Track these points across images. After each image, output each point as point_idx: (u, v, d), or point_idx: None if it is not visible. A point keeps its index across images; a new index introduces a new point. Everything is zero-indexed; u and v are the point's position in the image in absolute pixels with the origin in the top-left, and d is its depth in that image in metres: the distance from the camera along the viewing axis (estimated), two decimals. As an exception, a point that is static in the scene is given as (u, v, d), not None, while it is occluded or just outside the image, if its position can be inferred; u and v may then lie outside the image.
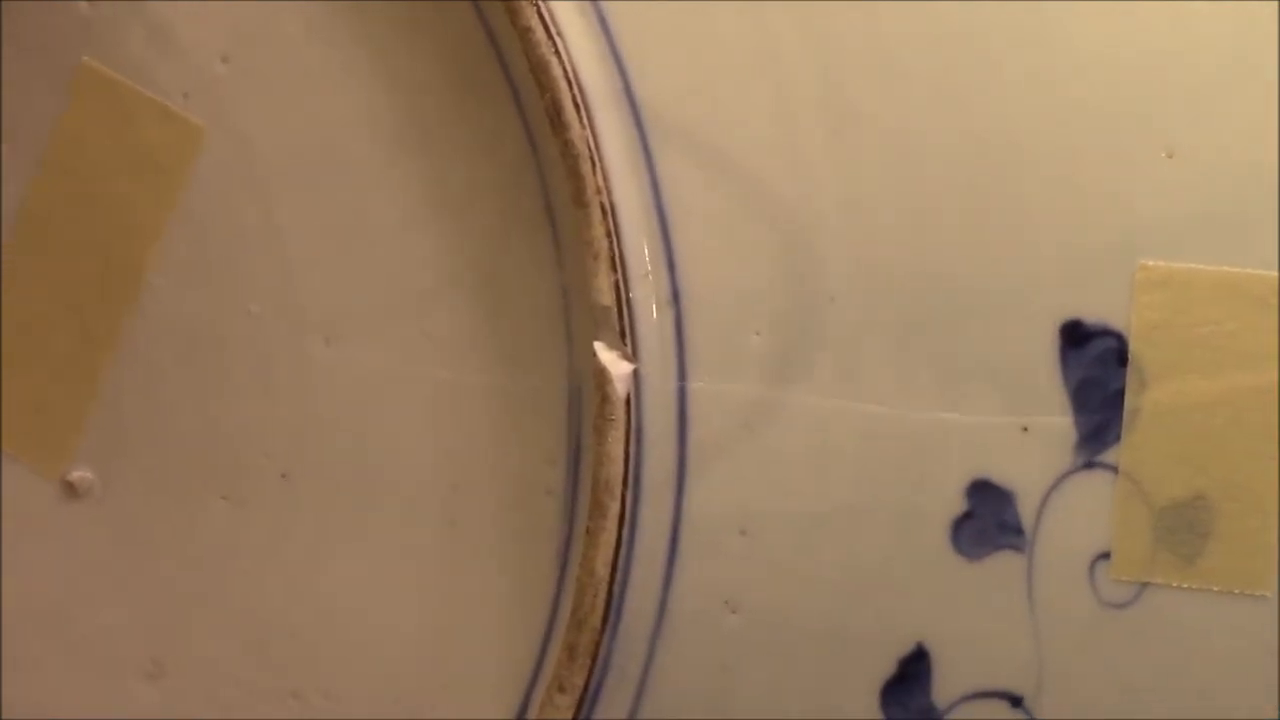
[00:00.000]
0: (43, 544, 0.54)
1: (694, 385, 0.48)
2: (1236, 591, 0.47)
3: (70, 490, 0.54)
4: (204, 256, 0.52)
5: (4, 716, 0.54)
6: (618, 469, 0.47)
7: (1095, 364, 0.47)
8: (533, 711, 0.49)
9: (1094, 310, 0.47)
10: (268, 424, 0.52)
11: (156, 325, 0.53)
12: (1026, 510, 0.47)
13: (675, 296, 0.48)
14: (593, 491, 0.47)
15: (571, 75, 0.47)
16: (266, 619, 0.53)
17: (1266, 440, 0.46)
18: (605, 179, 0.47)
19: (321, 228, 0.51)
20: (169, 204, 0.52)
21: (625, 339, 0.47)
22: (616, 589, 0.47)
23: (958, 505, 0.47)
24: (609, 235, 0.47)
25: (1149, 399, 0.46)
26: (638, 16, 0.48)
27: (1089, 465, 0.47)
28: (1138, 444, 0.47)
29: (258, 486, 0.52)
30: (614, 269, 0.47)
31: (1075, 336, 0.47)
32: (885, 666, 0.48)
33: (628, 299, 0.47)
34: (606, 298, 0.47)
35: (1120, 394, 0.47)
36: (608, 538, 0.47)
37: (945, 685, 0.48)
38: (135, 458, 0.53)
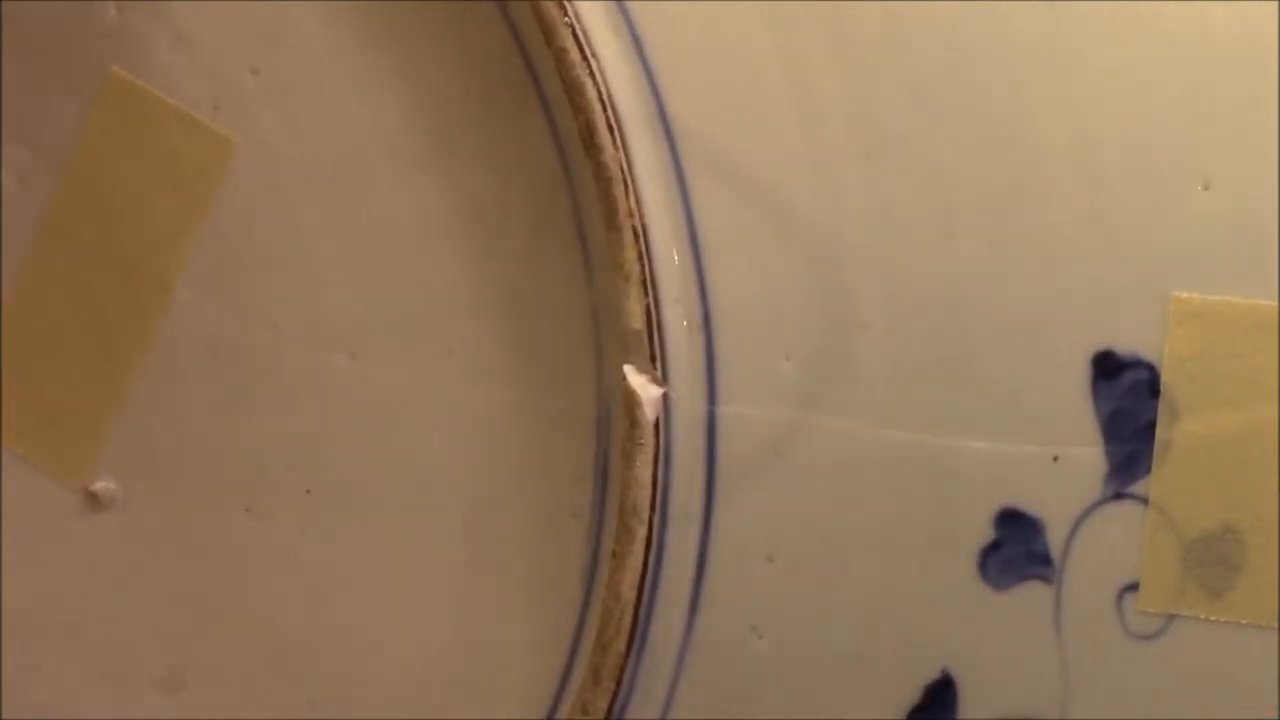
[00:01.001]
0: (64, 554, 0.54)
1: (724, 409, 0.48)
2: (1265, 625, 0.46)
3: (93, 501, 0.53)
4: (230, 269, 0.52)
5: (24, 725, 0.54)
6: (645, 493, 0.47)
7: (1127, 395, 0.46)
8: (556, 732, 0.49)
9: (1126, 341, 0.46)
10: (291, 438, 0.52)
11: (181, 337, 0.52)
12: (1055, 540, 0.47)
13: (706, 320, 0.47)
14: (620, 515, 0.47)
15: (606, 97, 0.47)
16: (287, 633, 0.53)
17: (1297, 474, 0.46)
18: (638, 202, 0.47)
19: (348, 242, 0.51)
20: (196, 216, 0.52)
21: (655, 362, 0.47)
22: (642, 613, 0.47)
23: (986, 534, 0.47)
24: (641, 258, 0.47)
25: (1180, 431, 0.46)
26: (672, 39, 0.48)
27: (1119, 496, 0.47)
28: (1168, 476, 0.46)
29: (281, 500, 0.52)
30: (645, 292, 0.47)
31: (1107, 367, 0.46)
32: (911, 694, 0.48)
33: (659, 322, 0.47)
34: (637, 321, 0.47)
35: (1151, 425, 0.46)
36: (634, 562, 0.47)
37: (971, 714, 0.48)
38: (158, 469, 0.53)
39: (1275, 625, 0.46)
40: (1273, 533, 0.46)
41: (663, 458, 0.47)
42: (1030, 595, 0.47)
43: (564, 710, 0.49)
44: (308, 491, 0.52)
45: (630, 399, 0.47)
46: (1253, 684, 0.47)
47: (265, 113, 0.51)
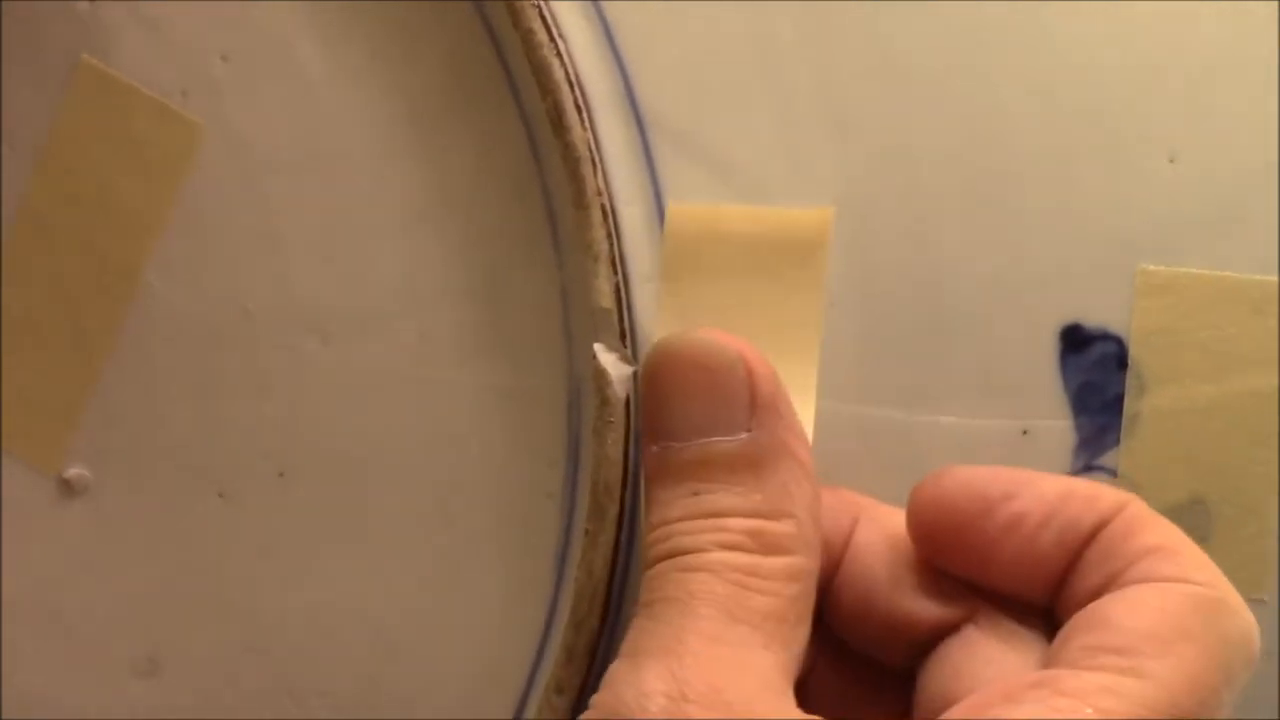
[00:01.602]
0: (38, 541, 0.54)
1: (694, 387, 0.48)
2: (1235, 596, 0.47)
3: (66, 488, 0.53)
4: (201, 255, 0.52)
5: (2, 713, 0.54)
6: (617, 471, 0.47)
7: (1095, 368, 0.47)
8: (530, 712, 0.49)
9: (1094, 314, 0.47)
10: (264, 423, 0.52)
11: (153, 323, 0.52)
12: (1025, 514, 0.47)
13: (676, 299, 0.48)
14: (592, 494, 0.47)
15: (573, 78, 0.47)
16: (262, 618, 0.53)
17: (1265, 445, 0.46)
18: (606, 181, 0.47)
19: (319, 227, 0.51)
20: (167, 202, 0.52)
21: (625, 341, 0.47)
22: (615, 591, 0.47)
23: (957, 509, 0.47)
24: (609, 237, 0.47)
25: (1148, 403, 0.46)
26: (640, 19, 0.48)
27: (1088, 469, 0.47)
28: (1137, 448, 0.47)
29: (254, 485, 0.52)
30: (614, 270, 0.47)
31: (1075, 340, 0.47)
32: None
33: (628, 301, 0.47)
34: (607, 299, 0.47)
35: (1120, 398, 0.47)
36: (606, 539, 0.47)
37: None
38: (131, 456, 0.53)
39: (1246, 596, 0.47)
40: (1240, 504, 0.46)
41: (634, 436, 0.47)
42: (1001, 569, 0.47)
43: (538, 689, 0.49)
44: (280, 475, 0.52)
45: (601, 377, 0.47)
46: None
47: (235, 99, 0.51)
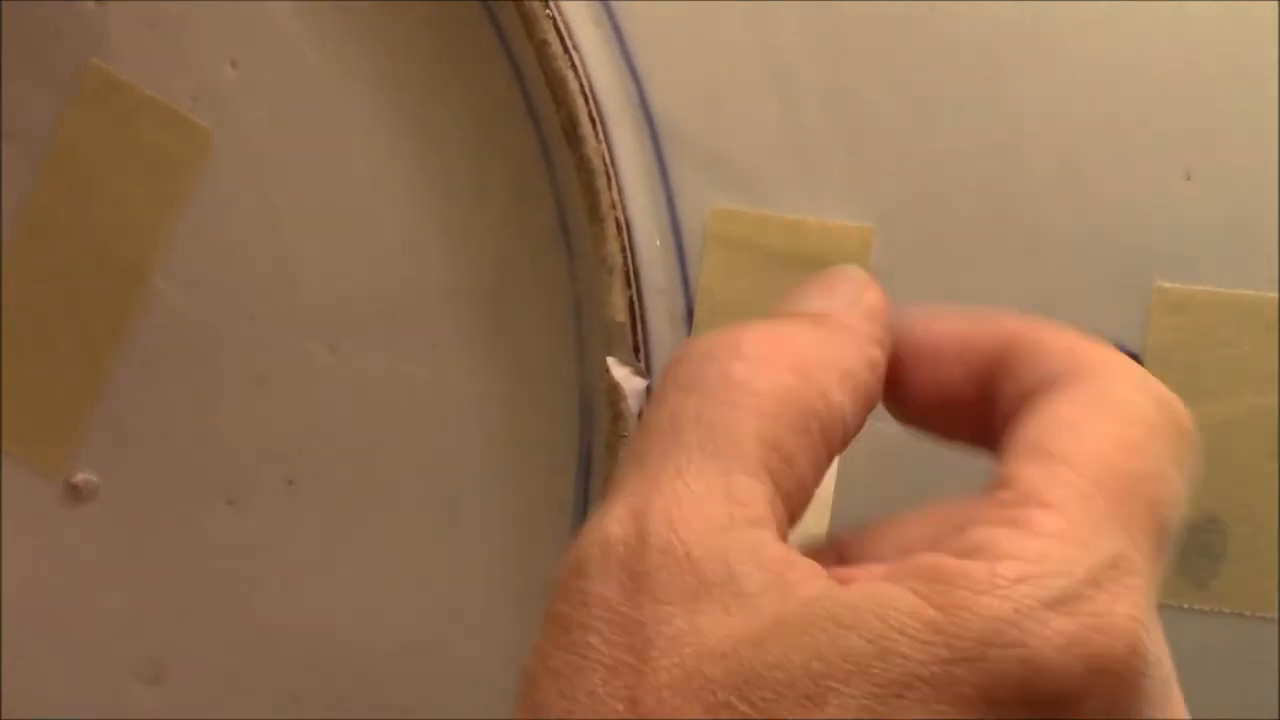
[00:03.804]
0: (46, 546, 0.54)
1: (707, 402, 0.48)
2: (1248, 613, 0.47)
3: (74, 493, 0.53)
4: (209, 260, 0.52)
5: (5, 716, 0.54)
6: (630, 485, 0.47)
7: (1110, 385, 0.47)
8: (539, 723, 0.49)
9: (1110, 331, 0.47)
10: (272, 429, 0.52)
11: (161, 328, 0.52)
12: (1039, 531, 0.47)
13: (689, 312, 0.47)
14: (604, 507, 0.47)
15: (588, 90, 0.47)
16: (268, 624, 0.53)
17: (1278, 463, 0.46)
18: (621, 194, 0.47)
19: (328, 234, 0.51)
20: (175, 207, 0.51)
21: (639, 355, 0.47)
22: (626, 603, 0.47)
23: (970, 525, 0.47)
24: (624, 251, 0.47)
25: (1163, 421, 0.46)
26: (653, 32, 0.47)
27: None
28: (1151, 466, 0.46)
29: (262, 491, 0.52)
30: (629, 284, 0.47)
31: (1090, 357, 0.47)
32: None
33: (642, 315, 0.47)
34: (621, 313, 0.47)
35: (1135, 415, 0.47)
36: (619, 553, 0.47)
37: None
38: (139, 461, 0.53)
39: (1257, 613, 0.47)
40: (1255, 522, 0.46)
41: (647, 450, 0.47)
42: (1014, 585, 0.47)
43: (549, 702, 0.49)
44: (289, 482, 0.52)
45: (614, 391, 0.47)
46: (1237, 671, 0.47)
47: (244, 105, 0.51)
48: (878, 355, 0.39)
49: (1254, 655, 0.47)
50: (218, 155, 0.51)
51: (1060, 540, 0.33)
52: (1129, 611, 0.32)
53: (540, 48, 0.47)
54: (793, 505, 0.36)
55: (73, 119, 0.52)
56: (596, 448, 0.49)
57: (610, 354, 0.47)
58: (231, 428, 0.52)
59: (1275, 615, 0.47)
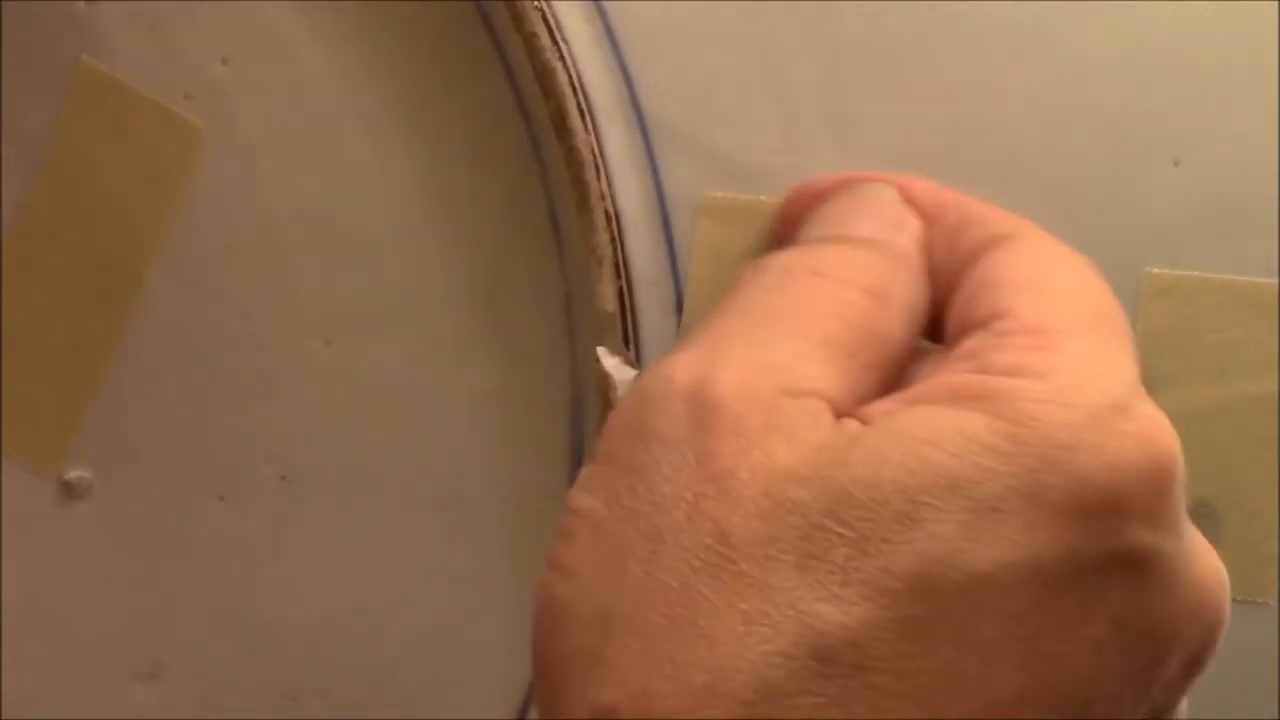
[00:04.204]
0: (40, 544, 0.54)
1: (698, 392, 0.48)
2: (1240, 599, 0.47)
3: (68, 490, 0.53)
4: (203, 258, 0.52)
5: (3, 716, 0.54)
6: (621, 476, 0.47)
7: (1100, 371, 0.47)
8: (533, 716, 0.49)
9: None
10: (267, 426, 0.52)
11: (156, 326, 0.52)
12: (1030, 518, 0.47)
13: (679, 303, 0.47)
14: (596, 498, 0.47)
15: (577, 81, 0.47)
16: (264, 621, 0.53)
17: (1271, 447, 0.46)
18: (610, 185, 0.47)
19: (321, 230, 0.51)
20: (168, 205, 0.51)
21: (629, 345, 0.47)
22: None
23: (962, 512, 0.47)
24: (613, 241, 0.47)
25: (1153, 406, 0.46)
26: (643, 22, 0.48)
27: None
28: (1142, 452, 0.46)
29: (256, 488, 0.52)
30: (618, 275, 0.47)
31: (1080, 344, 0.47)
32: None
33: (632, 305, 0.47)
34: (610, 303, 0.47)
35: (1124, 402, 0.47)
36: (611, 544, 0.47)
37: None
38: (134, 458, 0.53)
39: (1250, 599, 0.47)
40: (1246, 507, 0.46)
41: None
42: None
43: (542, 693, 0.49)
44: (283, 479, 0.52)
45: (604, 382, 0.47)
46: (1227, 656, 0.47)
47: (237, 102, 0.51)
48: (927, 288, 0.40)
49: (1249, 640, 0.47)
50: (211, 153, 0.51)
51: (1091, 359, 0.35)
52: (1163, 418, 0.35)
53: (529, 40, 0.47)
54: (859, 402, 0.36)
55: (66, 118, 0.52)
56: (588, 439, 0.49)
57: (601, 344, 0.47)
58: (225, 424, 0.52)
59: (1270, 600, 0.47)
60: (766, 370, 0.35)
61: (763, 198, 0.47)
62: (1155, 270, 0.46)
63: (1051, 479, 0.33)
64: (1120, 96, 0.46)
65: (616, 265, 0.47)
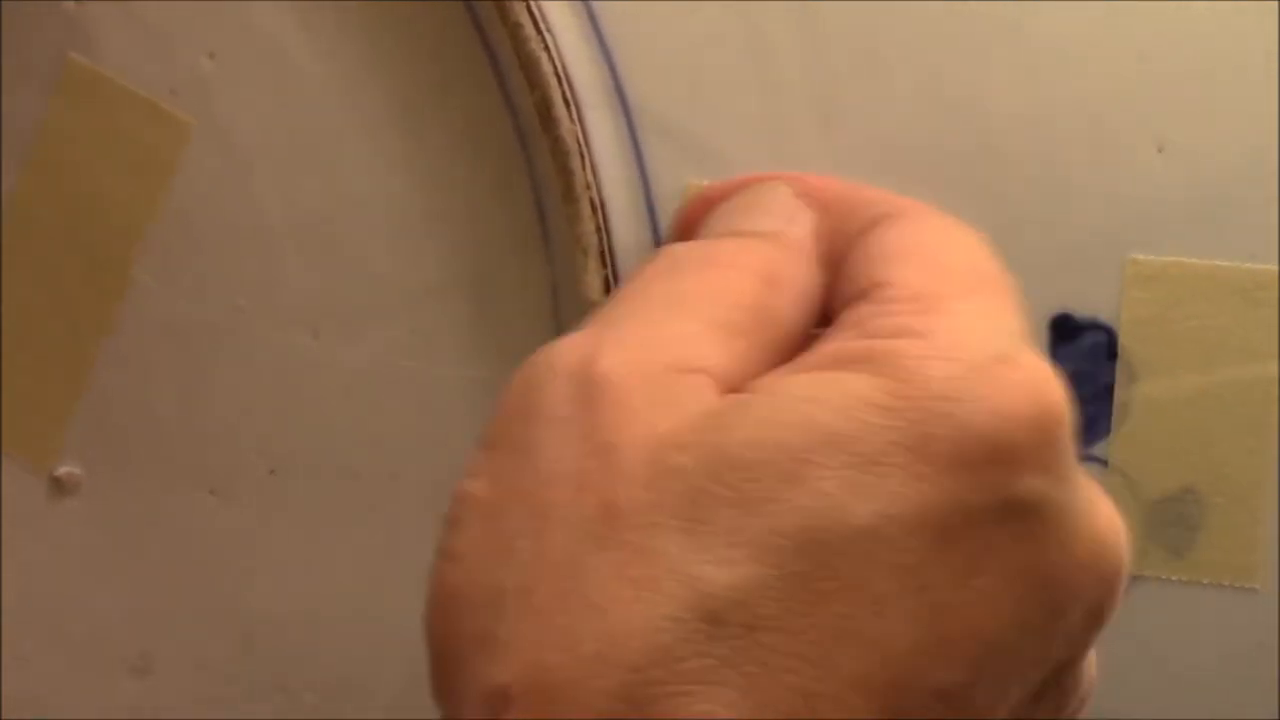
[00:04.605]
0: (30, 539, 0.54)
1: (684, 381, 0.48)
2: (1226, 584, 0.47)
3: (58, 486, 0.53)
4: (191, 252, 0.52)
5: (-4, 712, 0.54)
6: (608, 465, 0.47)
7: (1085, 358, 0.47)
8: (523, 707, 0.49)
9: (1084, 304, 0.47)
10: (255, 419, 0.52)
11: (144, 321, 0.52)
12: (1017, 504, 0.47)
13: (665, 291, 0.48)
14: (583, 488, 0.47)
15: (561, 71, 0.47)
16: (254, 613, 0.53)
17: (1255, 434, 0.46)
18: (595, 175, 0.47)
19: (308, 223, 0.51)
20: (156, 200, 0.52)
21: (615, 335, 0.47)
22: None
23: (948, 499, 0.47)
24: (599, 231, 0.47)
25: (1139, 393, 0.46)
26: (627, 12, 0.48)
27: (1079, 459, 0.47)
28: (1128, 438, 0.47)
29: (246, 481, 0.52)
30: (604, 264, 0.47)
31: (1065, 330, 0.47)
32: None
33: (618, 294, 0.47)
34: (597, 293, 0.47)
35: (1110, 388, 0.47)
36: (599, 534, 0.47)
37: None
38: (123, 453, 0.53)
39: (1237, 585, 0.47)
40: (1231, 493, 0.46)
41: (625, 429, 0.47)
42: (993, 560, 0.47)
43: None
44: (271, 472, 0.52)
45: (591, 371, 0.47)
46: (1214, 642, 0.47)
47: (223, 96, 0.51)
48: (821, 275, 0.40)
49: (1237, 626, 0.47)
50: (198, 147, 0.52)
51: (974, 317, 0.35)
52: (1050, 368, 0.34)
53: (514, 31, 0.47)
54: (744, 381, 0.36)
55: (54, 114, 0.52)
56: (575, 429, 0.49)
57: (587, 334, 0.47)
58: (214, 418, 0.52)
59: (1257, 586, 0.47)
60: (653, 347, 0.36)
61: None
62: (1140, 257, 0.46)
63: (935, 430, 0.33)
64: (1104, 83, 0.46)
65: (602, 254, 0.47)
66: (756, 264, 0.39)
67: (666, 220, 0.48)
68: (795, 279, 0.39)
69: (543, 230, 0.49)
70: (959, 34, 0.47)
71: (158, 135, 0.51)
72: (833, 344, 0.36)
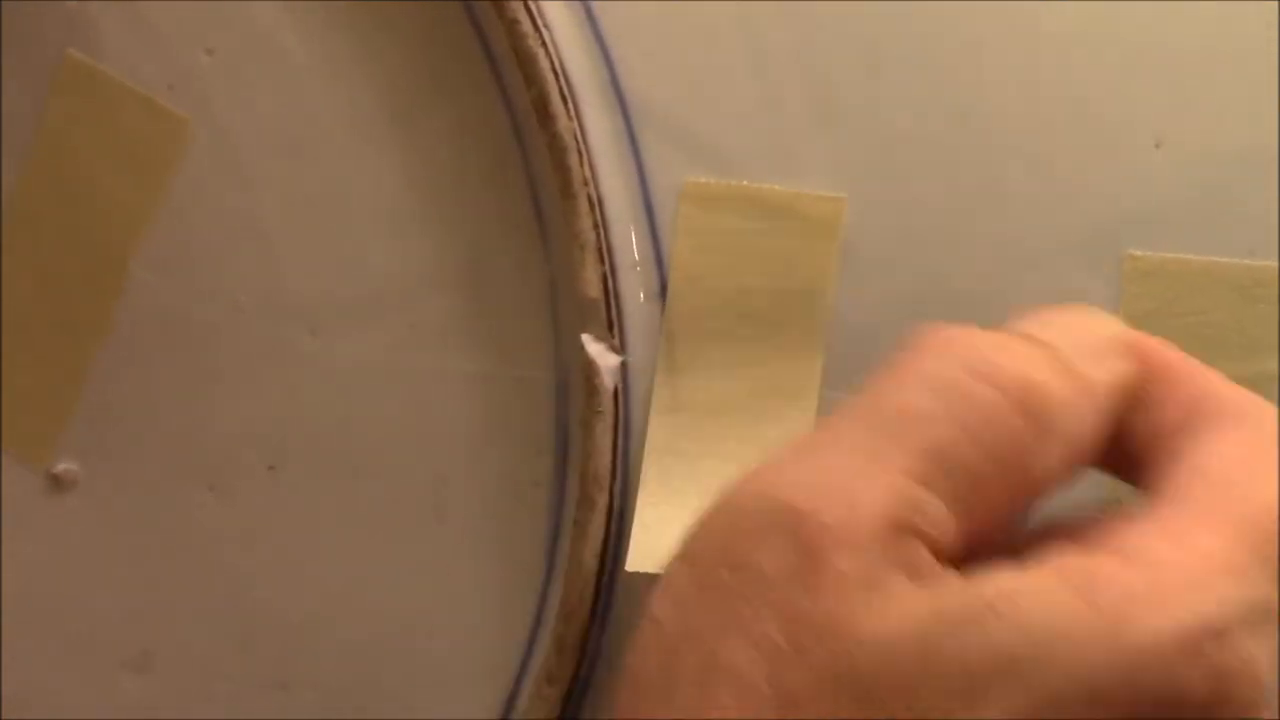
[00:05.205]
0: (30, 536, 0.54)
1: (682, 377, 0.48)
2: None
3: (57, 483, 0.53)
4: (189, 248, 0.52)
5: (-4, 709, 0.54)
6: (606, 461, 0.47)
7: (1084, 354, 0.47)
8: (521, 703, 0.49)
9: (1083, 300, 0.46)
10: (254, 416, 0.52)
11: (142, 317, 0.52)
12: (1015, 501, 0.47)
13: (663, 288, 0.48)
14: (581, 484, 0.47)
15: (559, 68, 0.47)
16: (253, 610, 0.53)
17: (1254, 430, 0.46)
18: (592, 171, 0.47)
19: (307, 219, 0.51)
20: (154, 196, 0.52)
21: (613, 331, 0.47)
22: (605, 581, 0.47)
23: (946, 496, 0.47)
24: (596, 227, 0.47)
25: (1137, 389, 0.46)
26: (625, 9, 0.48)
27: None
28: (1126, 434, 0.46)
29: (244, 478, 0.52)
30: (601, 261, 0.47)
31: (1063, 327, 0.47)
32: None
33: (615, 291, 0.47)
34: (594, 290, 0.47)
35: (1108, 384, 0.47)
36: (596, 530, 0.47)
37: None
38: (122, 450, 0.53)
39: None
40: (1230, 489, 0.46)
41: (622, 426, 0.47)
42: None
43: (529, 679, 0.49)
44: (270, 468, 0.52)
45: (589, 367, 0.47)
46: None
47: (221, 93, 0.51)
48: (1103, 437, 0.36)
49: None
50: (196, 143, 0.52)
51: (1219, 565, 0.32)
52: (1267, 661, 0.32)
53: (511, 27, 0.47)
54: (967, 538, 0.34)
55: (52, 111, 0.52)
56: (573, 425, 0.49)
57: (585, 330, 0.47)
58: (212, 414, 0.52)
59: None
60: (874, 490, 0.33)
61: (744, 183, 0.47)
62: (1138, 253, 0.46)
63: (1116, 689, 0.31)
64: (1102, 80, 0.46)
65: (599, 250, 0.47)
66: (1025, 392, 0.34)
67: (664, 217, 0.48)
68: (1070, 429, 0.35)
69: (540, 226, 0.49)
70: (959, 31, 0.47)
71: (156, 131, 0.51)
72: (1073, 552, 0.33)
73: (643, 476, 0.47)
